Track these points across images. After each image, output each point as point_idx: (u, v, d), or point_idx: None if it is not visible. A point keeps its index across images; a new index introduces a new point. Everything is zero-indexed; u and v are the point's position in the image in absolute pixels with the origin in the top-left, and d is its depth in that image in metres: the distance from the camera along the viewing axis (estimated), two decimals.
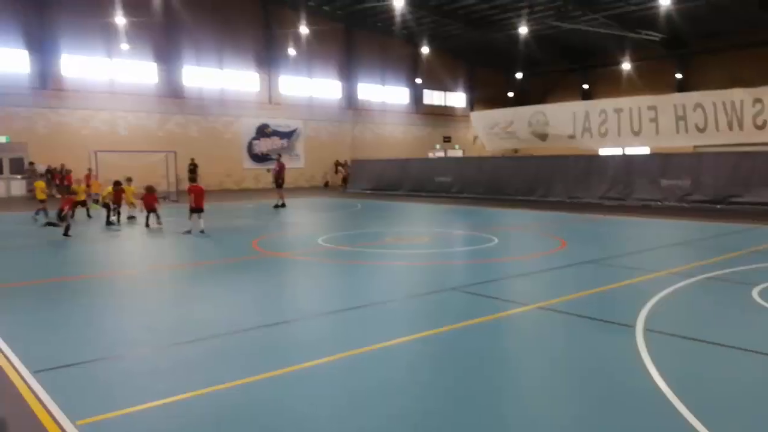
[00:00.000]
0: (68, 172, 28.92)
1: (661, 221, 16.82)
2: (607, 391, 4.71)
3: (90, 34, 30.62)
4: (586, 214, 19.02)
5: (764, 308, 6.97)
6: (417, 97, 46.18)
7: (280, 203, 21.34)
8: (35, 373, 4.98)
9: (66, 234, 13.49)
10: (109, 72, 31.98)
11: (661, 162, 21.61)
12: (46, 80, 29.98)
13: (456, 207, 22.33)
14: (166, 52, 33.63)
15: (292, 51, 37.37)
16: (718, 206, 19.43)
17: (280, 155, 24.17)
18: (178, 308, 7.63)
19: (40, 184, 17.70)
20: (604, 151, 28.47)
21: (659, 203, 20.79)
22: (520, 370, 5.25)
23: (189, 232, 14.10)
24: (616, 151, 27.29)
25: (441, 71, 45.75)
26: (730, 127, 20.54)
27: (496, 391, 4.69)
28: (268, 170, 37.94)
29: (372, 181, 30.42)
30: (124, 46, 31.42)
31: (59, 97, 30.31)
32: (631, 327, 6.21)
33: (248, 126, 37.12)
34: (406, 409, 4.34)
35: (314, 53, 38.62)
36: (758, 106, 19.79)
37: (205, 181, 33.42)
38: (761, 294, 7.59)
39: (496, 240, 13.08)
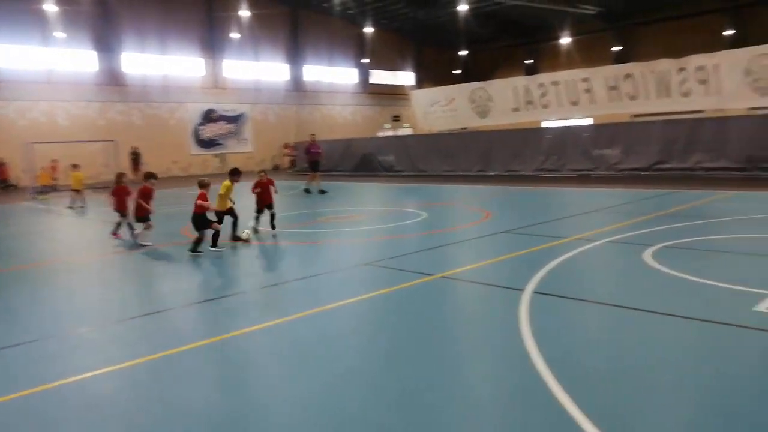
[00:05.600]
0: (2, 164, 28.27)
1: (589, 190, 17.50)
2: (478, 346, 5.11)
3: (24, 23, 29.61)
4: (521, 186, 19.60)
5: (650, 268, 7.47)
6: (365, 77, 46.16)
7: (317, 188, 19.91)
8: None
9: None
10: (46, 62, 31.05)
11: (592, 132, 22.37)
12: None
13: (397, 185, 22.68)
14: (105, 39, 32.79)
15: (236, 34, 36.88)
16: (645, 173, 20.28)
17: (313, 135, 22.09)
18: (87, 296, 7.76)
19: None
20: (547, 123, 29.16)
21: (590, 173, 21.54)
22: (405, 333, 5.58)
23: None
24: (559, 123, 28.00)
25: (388, 51, 45.79)
26: (659, 96, 21.35)
27: (371, 355, 5.03)
28: (216, 155, 37.70)
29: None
30: (60, 34, 30.53)
31: None
32: (521, 290, 6.63)
33: (194, 111, 36.62)
34: (292, 379, 4.64)
35: (260, 36, 38.20)
36: (683, 74, 20.60)
37: (150, 168, 33.07)
38: (652, 255, 8.13)
39: (425, 215, 13.46)
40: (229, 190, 10.71)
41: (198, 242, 9.66)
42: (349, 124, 44.28)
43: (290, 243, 10.93)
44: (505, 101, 23.71)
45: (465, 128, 28.80)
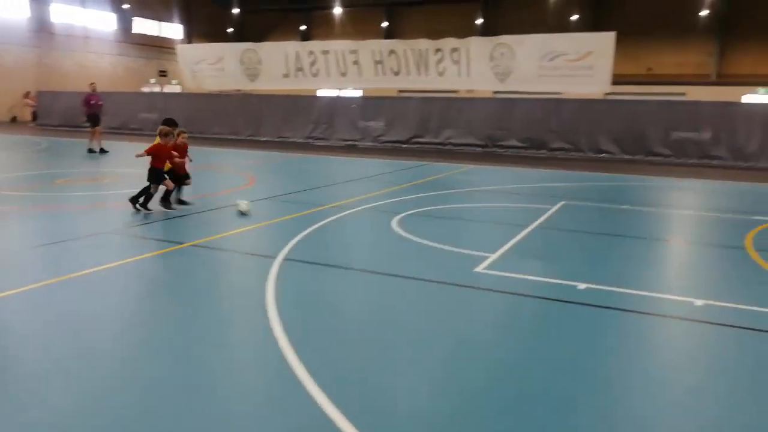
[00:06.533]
0: None
1: (354, 159, 18.24)
2: (219, 318, 4.94)
3: None
4: (291, 152, 19.66)
5: (396, 234, 8.01)
6: (127, 25, 41.93)
7: (97, 147, 17.58)
8: None
9: None
10: None
11: (359, 104, 23.31)
12: None
13: None
14: None
15: None
16: (404, 146, 21.80)
17: (94, 84, 18.71)
18: None
19: None
20: (322, 92, 29.53)
21: (357, 143, 22.48)
22: (139, 309, 5.20)
23: None
24: (332, 93, 28.53)
25: None
26: (419, 73, 22.84)
27: (116, 322, 4.59)
28: None
29: (66, 117, 27.05)
30: None
31: None
32: (272, 258, 6.60)
33: None
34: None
35: None
36: (439, 54, 22.26)
37: None
38: (399, 221, 8.72)
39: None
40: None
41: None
42: (109, 76, 39.95)
43: (17, 209, 9.50)
44: (275, 66, 23.36)
45: (239, 90, 27.90)
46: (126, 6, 40.94)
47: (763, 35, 34.89)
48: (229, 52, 23.34)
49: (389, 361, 4.16)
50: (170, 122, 9.62)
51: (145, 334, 4.61)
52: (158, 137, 9.16)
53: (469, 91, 25.26)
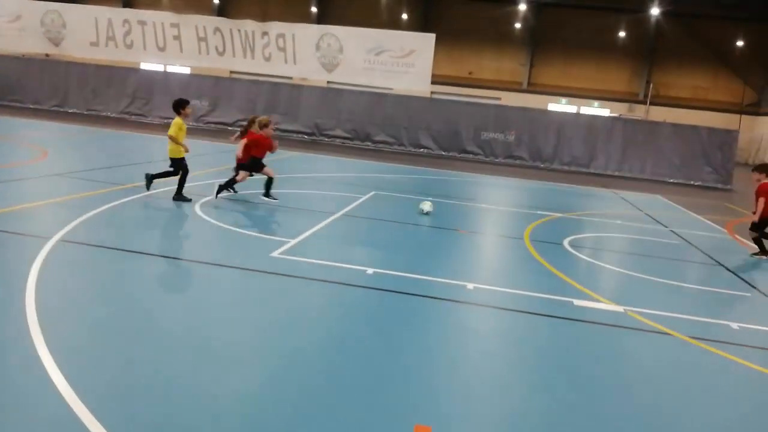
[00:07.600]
0: None
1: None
2: None
3: None
4: (102, 128, 18.06)
5: (198, 218, 7.68)
6: None
7: None
8: None
9: None
10: None
11: (182, 82, 22.12)
12: None
13: None
14: None
15: None
16: (230, 128, 21.11)
17: None
18: None
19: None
20: (145, 65, 27.38)
21: None
22: None
23: None
24: (158, 67, 26.58)
25: None
26: (245, 55, 22.21)
27: None
28: None
29: None
30: None
31: None
32: (45, 238, 5.97)
33: None
34: None
35: None
36: (266, 38, 21.84)
37: None
38: (202, 206, 8.38)
39: None
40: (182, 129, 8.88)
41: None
42: None
43: None
44: (82, 32, 21.24)
45: (47, 55, 24.94)
46: None
47: (567, 50, 39.01)
48: (28, 11, 20.79)
49: (152, 352, 3.93)
50: (182, 102, 9.05)
51: None
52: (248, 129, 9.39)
53: (303, 79, 25.06)
